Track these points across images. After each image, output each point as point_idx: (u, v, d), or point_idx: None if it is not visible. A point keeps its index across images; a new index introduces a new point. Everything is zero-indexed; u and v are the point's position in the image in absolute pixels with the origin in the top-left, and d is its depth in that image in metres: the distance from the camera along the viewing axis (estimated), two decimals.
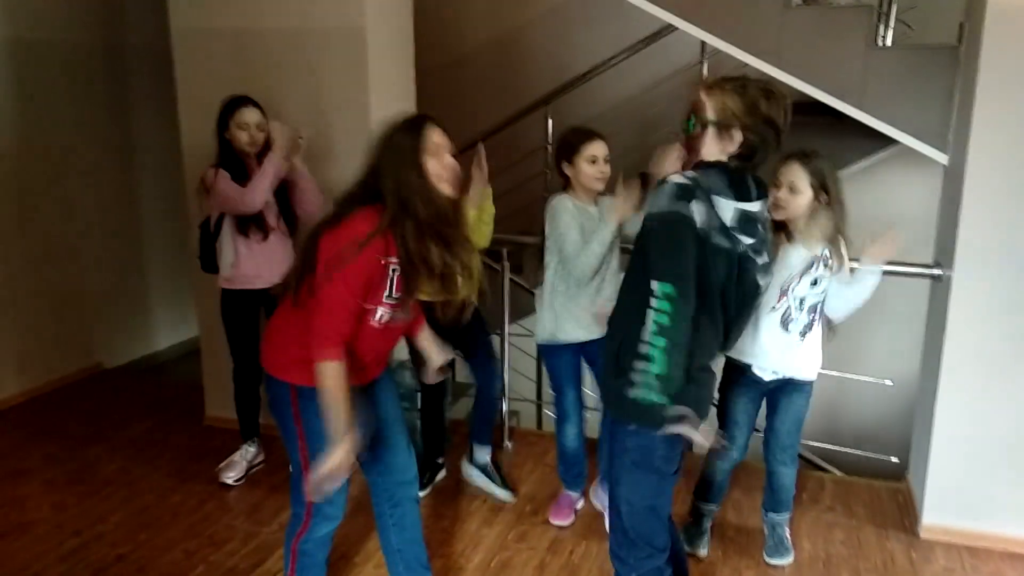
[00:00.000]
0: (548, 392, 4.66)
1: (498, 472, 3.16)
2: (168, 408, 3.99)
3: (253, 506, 3.07)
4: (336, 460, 1.86)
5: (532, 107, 4.79)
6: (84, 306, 4.47)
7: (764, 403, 2.64)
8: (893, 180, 4.60)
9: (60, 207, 4.28)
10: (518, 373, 3.90)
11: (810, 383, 2.56)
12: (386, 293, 1.93)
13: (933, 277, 2.92)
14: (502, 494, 3.10)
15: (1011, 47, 2.49)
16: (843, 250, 2.45)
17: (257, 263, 3.03)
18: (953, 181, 2.80)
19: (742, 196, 1.78)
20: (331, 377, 1.87)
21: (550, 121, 4.73)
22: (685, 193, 1.72)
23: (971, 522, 2.80)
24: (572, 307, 2.74)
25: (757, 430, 2.69)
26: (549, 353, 2.86)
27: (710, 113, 1.78)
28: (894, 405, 4.53)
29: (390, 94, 3.37)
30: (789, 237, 2.42)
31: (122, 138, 4.68)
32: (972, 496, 2.80)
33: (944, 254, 2.85)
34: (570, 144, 2.67)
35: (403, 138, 1.91)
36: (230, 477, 3.22)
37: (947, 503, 2.83)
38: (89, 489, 3.18)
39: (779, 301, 2.42)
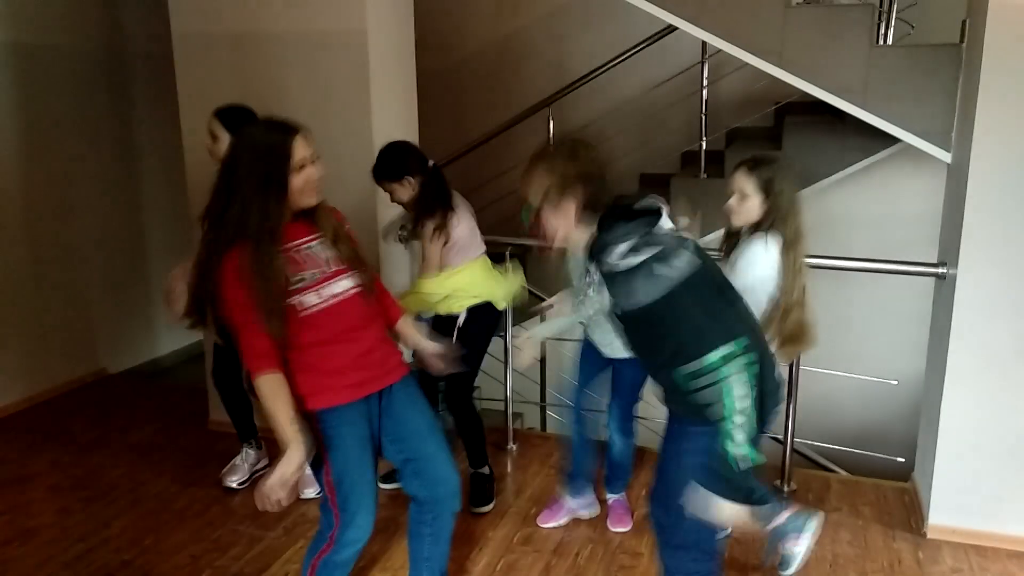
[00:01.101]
0: (552, 394, 4.67)
1: (483, 485, 3.12)
2: (172, 413, 3.99)
3: (257, 510, 3.04)
4: (290, 465, 1.84)
5: (534, 109, 4.79)
6: (88, 311, 4.47)
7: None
8: (896, 179, 4.60)
9: (63, 212, 4.28)
10: (522, 376, 3.89)
11: None
12: (294, 282, 1.91)
13: (937, 276, 2.91)
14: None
15: (1013, 45, 2.48)
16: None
17: None
18: (956, 179, 2.79)
19: (655, 219, 1.81)
20: (267, 391, 1.87)
21: (552, 122, 4.72)
22: (650, 268, 1.73)
23: (978, 522, 2.79)
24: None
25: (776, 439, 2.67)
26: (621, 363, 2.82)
27: (534, 196, 1.86)
28: (899, 404, 4.52)
29: (391, 97, 3.37)
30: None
31: (125, 143, 4.69)
32: (979, 496, 2.79)
33: (948, 253, 2.84)
34: None
35: (265, 154, 1.88)
36: (233, 481, 3.22)
37: (954, 503, 2.82)
38: (94, 494, 3.18)
39: None
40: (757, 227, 2.36)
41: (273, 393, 1.87)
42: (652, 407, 3.36)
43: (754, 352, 1.72)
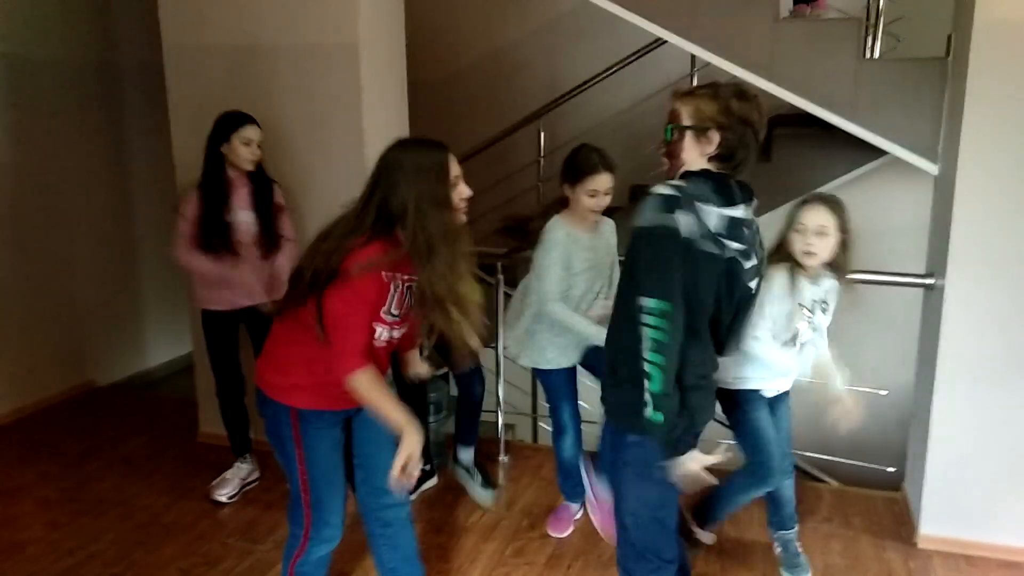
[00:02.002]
0: (543, 405, 4.66)
1: (482, 473, 3.21)
2: (162, 425, 3.97)
3: (248, 524, 3.05)
4: (412, 445, 1.89)
5: (525, 121, 4.82)
6: (77, 323, 4.45)
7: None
8: (883, 190, 4.63)
9: (53, 223, 4.27)
10: (513, 386, 3.89)
11: (789, 392, 2.62)
12: (384, 309, 1.92)
13: (926, 287, 2.94)
14: (481, 494, 3.15)
15: (998, 59, 2.52)
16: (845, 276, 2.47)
17: (230, 283, 3.00)
18: (944, 191, 2.82)
19: (728, 201, 1.79)
20: (368, 387, 1.89)
21: (543, 135, 4.75)
22: (668, 204, 1.73)
23: (968, 532, 2.81)
24: (556, 339, 2.77)
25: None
26: (541, 372, 2.86)
27: (685, 119, 1.82)
28: (888, 414, 4.52)
29: (383, 110, 3.38)
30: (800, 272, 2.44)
31: (115, 154, 4.68)
32: (969, 506, 2.80)
33: (936, 263, 2.87)
34: (576, 170, 2.64)
35: (429, 163, 1.89)
36: (222, 495, 3.20)
37: (944, 513, 2.83)
38: (83, 507, 3.16)
39: (802, 335, 2.45)
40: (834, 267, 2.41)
41: (376, 386, 1.91)
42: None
43: (674, 324, 1.71)
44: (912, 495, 3.04)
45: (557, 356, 2.79)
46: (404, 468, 1.89)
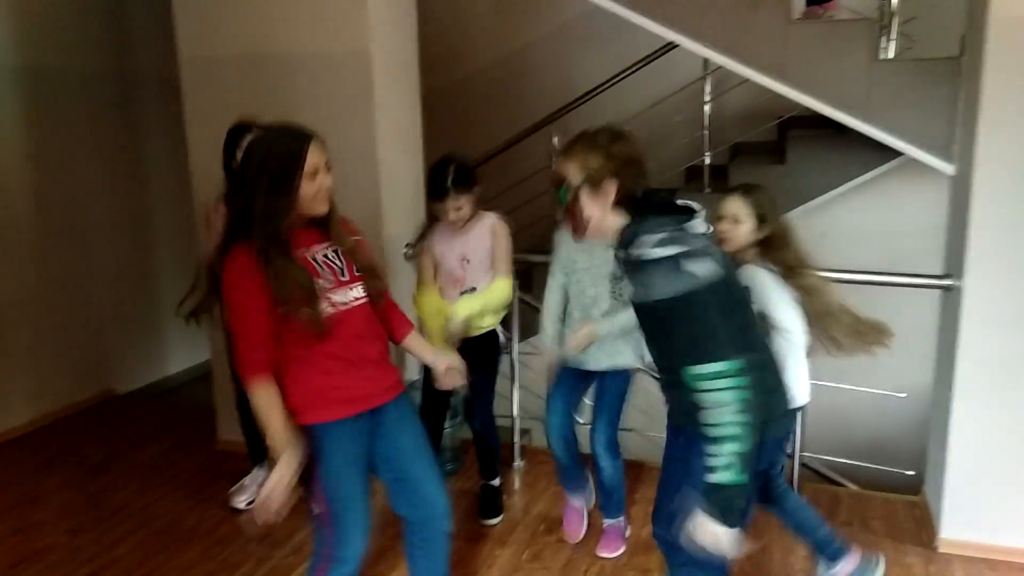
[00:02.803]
0: None
1: (494, 497, 3.15)
2: (181, 432, 4.00)
3: (267, 530, 3.06)
4: (283, 472, 1.86)
5: (537, 126, 4.82)
6: (96, 331, 4.50)
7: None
8: (899, 191, 4.60)
9: (72, 233, 4.32)
10: (528, 391, 3.90)
11: None
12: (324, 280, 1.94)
13: (944, 288, 2.91)
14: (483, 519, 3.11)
15: (1014, 58, 2.50)
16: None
17: None
18: (960, 191, 2.80)
19: (687, 214, 1.78)
20: (260, 398, 1.89)
21: (555, 140, 4.75)
22: (675, 264, 1.68)
23: (990, 536, 2.77)
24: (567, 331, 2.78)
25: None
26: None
27: (575, 176, 1.80)
28: (907, 417, 4.50)
29: (396, 116, 3.40)
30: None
31: (133, 164, 4.73)
32: (990, 509, 2.77)
33: (954, 264, 2.84)
34: None
35: (279, 162, 1.89)
36: (241, 501, 3.22)
37: (965, 517, 2.80)
38: (103, 514, 3.19)
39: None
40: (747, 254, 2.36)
41: (269, 401, 1.89)
42: (643, 415, 3.37)
43: (748, 377, 1.67)
44: (932, 499, 3.01)
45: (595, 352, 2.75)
46: (266, 499, 1.86)
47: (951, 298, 2.88)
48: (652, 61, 4.53)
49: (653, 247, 1.69)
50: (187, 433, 3.98)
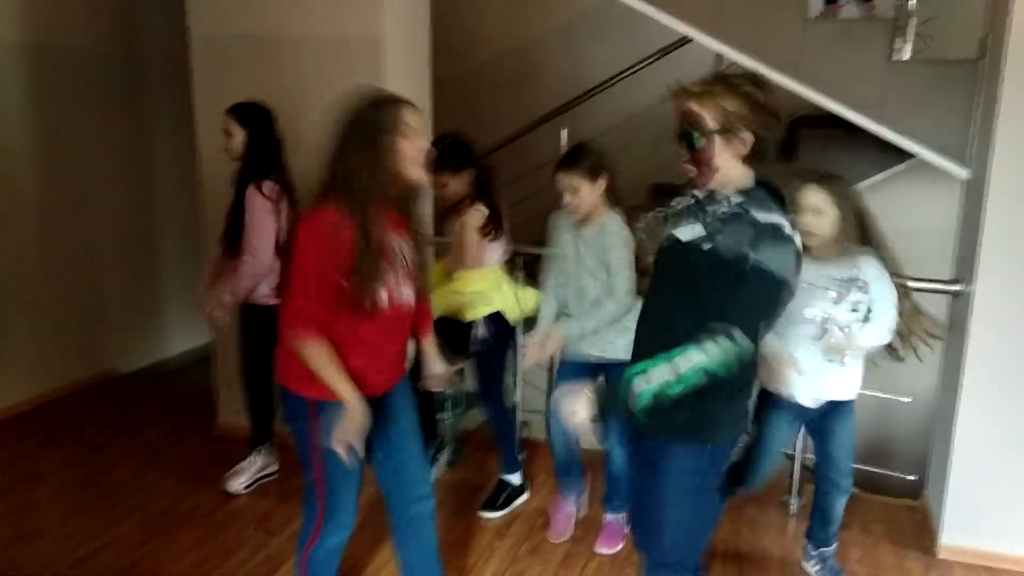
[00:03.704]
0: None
1: (500, 492, 3.13)
2: (181, 414, 3.99)
3: (264, 515, 3.06)
4: (353, 415, 1.89)
5: (547, 117, 4.79)
6: (98, 311, 4.48)
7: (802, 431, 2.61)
8: (909, 193, 4.56)
9: (76, 213, 4.30)
10: (529, 384, 3.88)
11: (851, 402, 2.51)
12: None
13: (953, 293, 2.89)
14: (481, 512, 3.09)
15: None
16: (874, 268, 2.34)
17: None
18: (973, 196, 2.77)
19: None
20: (317, 355, 1.88)
21: (565, 132, 4.72)
22: (793, 249, 1.65)
23: (990, 542, 2.76)
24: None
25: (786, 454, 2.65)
26: (560, 362, 2.85)
27: (712, 122, 1.67)
28: (908, 420, 4.48)
29: None
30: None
31: (138, 144, 4.70)
32: (992, 516, 2.76)
33: (965, 269, 2.82)
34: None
35: (373, 116, 1.88)
36: (239, 485, 3.21)
37: (966, 523, 2.79)
38: (101, 494, 3.18)
39: (820, 330, 2.35)
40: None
41: (326, 355, 1.89)
42: None
43: (742, 367, 1.66)
44: (933, 504, 2.99)
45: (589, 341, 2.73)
46: (340, 439, 1.90)
47: (960, 303, 2.86)
48: (664, 56, 4.50)
49: (786, 226, 1.66)
50: (187, 416, 3.97)
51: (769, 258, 1.62)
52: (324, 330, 1.90)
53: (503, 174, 4.86)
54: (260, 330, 3.13)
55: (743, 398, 1.85)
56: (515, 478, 3.15)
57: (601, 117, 5.02)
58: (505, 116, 5.26)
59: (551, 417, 2.85)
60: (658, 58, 4.55)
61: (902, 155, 3.99)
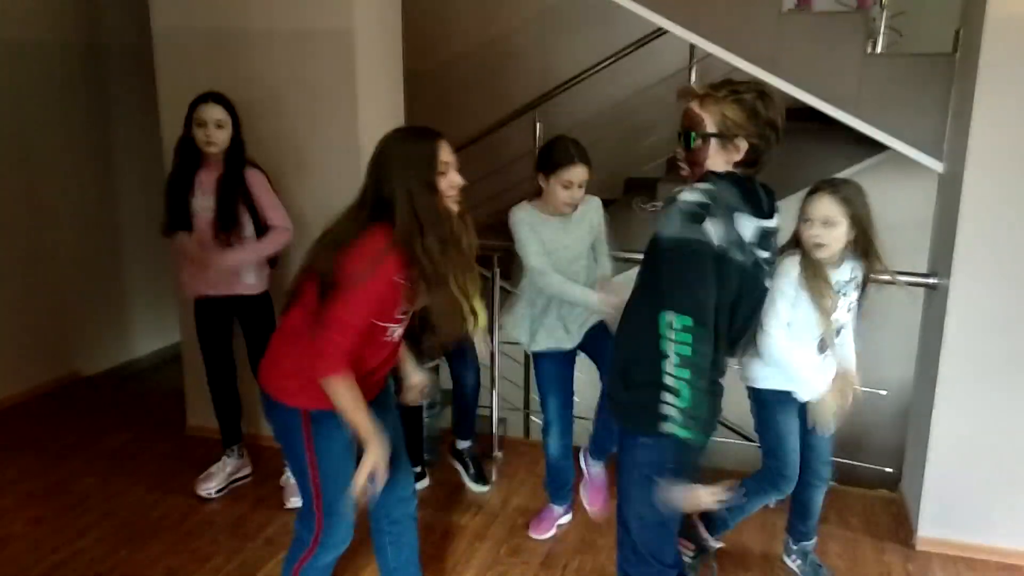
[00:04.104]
0: (535, 400, 4.62)
1: (476, 465, 3.20)
2: (148, 417, 3.89)
3: (238, 520, 2.98)
4: (376, 457, 1.86)
5: (520, 111, 4.74)
6: (60, 312, 4.35)
7: None
8: (884, 186, 4.57)
9: (36, 210, 4.16)
10: (504, 379, 3.85)
11: None
12: (401, 309, 1.91)
13: (929, 286, 2.90)
14: (471, 485, 3.15)
15: (1011, 56, 2.47)
16: (879, 265, 2.36)
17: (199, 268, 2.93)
18: (949, 190, 2.78)
19: (756, 209, 1.74)
20: (347, 392, 1.84)
21: (539, 126, 4.68)
22: (699, 214, 1.66)
23: (968, 535, 2.78)
24: (544, 319, 2.72)
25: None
26: (534, 358, 2.81)
27: (710, 126, 1.74)
28: (882, 412, 4.52)
29: (378, 97, 3.31)
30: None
31: (101, 140, 4.57)
32: (969, 509, 2.78)
33: (941, 263, 2.83)
34: (550, 161, 2.58)
35: (416, 152, 1.86)
36: (208, 489, 3.13)
37: (944, 516, 2.81)
38: (67, 503, 3.08)
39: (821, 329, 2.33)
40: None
41: (354, 394, 1.85)
42: None
43: (699, 344, 1.67)
44: (910, 496, 3.01)
45: (545, 338, 2.72)
46: (367, 479, 1.87)
47: (936, 296, 2.88)
48: (637, 49, 4.46)
49: (690, 193, 1.68)
50: (155, 418, 3.87)
51: (672, 230, 1.67)
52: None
53: (476, 169, 4.83)
54: (211, 326, 3.07)
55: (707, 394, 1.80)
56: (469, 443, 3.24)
57: (575, 110, 4.99)
58: (476, 111, 5.19)
59: (549, 428, 2.81)
60: (631, 51, 4.51)
61: (877, 148, 4.00)
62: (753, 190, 1.77)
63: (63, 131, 4.30)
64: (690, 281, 1.67)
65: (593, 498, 2.85)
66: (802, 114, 4.10)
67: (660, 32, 3.88)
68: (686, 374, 1.66)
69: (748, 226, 1.72)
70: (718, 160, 1.75)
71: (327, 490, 1.99)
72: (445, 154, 1.88)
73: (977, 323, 2.66)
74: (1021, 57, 2.47)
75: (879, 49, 3.18)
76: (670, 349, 1.66)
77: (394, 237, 1.81)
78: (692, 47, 4.12)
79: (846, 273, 2.34)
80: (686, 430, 1.68)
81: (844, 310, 2.36)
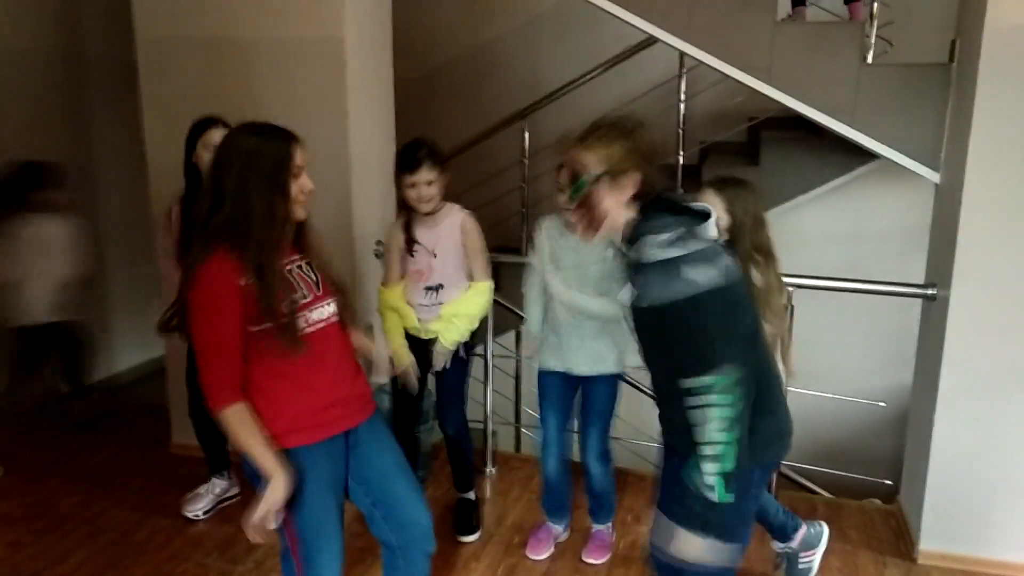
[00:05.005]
0: (526, 412, 4.56)
1: (470, 512, 3.00)
2: (130, 435, 3.79)
3: (225, 542, 2.90)
4: (276, 495, 1.75)
5: (509, 120, 4.70)
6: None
7: None
8: (878, 195, 4.60)
9: None
10: (496, 393, 3.78)
11: None
12: (300, 294, 1.82)
13: (928, 297, 2.88)
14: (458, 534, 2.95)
15: (1010, 66, 2.46)
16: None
17: None
18: (947, 200, 2.77)
19: (698, 216, 1.69)
20: (237, 424, 1.75)
21: (527, 135, 4.64)
22: (677, 269, 1.59)
23: (970, 548, 2.76)
24: (551, 335, 2.69)
25: None
26: (538, 375, 2.76)
27: (596, 167, 1.69)
28: (874, 423, 4.51)
29: (369, 106, 3.25)
30: None
31: (82, 151, 4.47)
32: (970, 521, 2.75)
33: (938, 274, 2.81)
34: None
35: (268, 155, 1.77)
36: (197, 510, 3.04)
37: (944, 528, 2.78)
38: (47, 525, 2.98)
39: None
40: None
41: (246, 424, 1.76)
42: (629, 425, 3.29)
43: (736, 393, 1.61)
44: (911, 509, 2.98)
45: (546, 356, 2.69)
46: (263, 519, 1.76)
47: (935, 307, 2.85)
48: (628, 58, 4.44)
49: (655, 248, 1.62)
50: (138, 435, 3.77)
51: (660, 297, 1.60)
52: (247, 384, 1.77)
53: (464, 179, 4.78)
54: None
55: (771, 417, 1.79)
56: (472, 493, 3.05)
57: (564, 119, 4.93)
58: (463, 120, 5.15)
59: (546, 448, 2.76)
60: (621, 60, 4.49)
61: (866, 157, 4.00)
62: (680, 203, 1.73)
63: (43, 141, 4.19)
64: (703, 337, 1.60)
65: (595, 555, 2.80)
66: (790, 123, 4.11)
67: (651, 41, 3.86)
68: (731, 436, 1.59)
69: (710, 227, 1.66)
70: (611, 200, 1.70)
71: (307, 533, 1.86)
72: (299, 157, 1.81)
73: (978, 334, 2.64)
74: (1020, 67, 2.46)
75: (869, 59, 3.17)
76: (711, 415, 1.59)
77: (233, 252, 1.73)
78: (682, 56, 4.09)
79: None
80: (729, 494, 1.62)
81: None
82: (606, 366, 2.62)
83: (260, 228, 1.74)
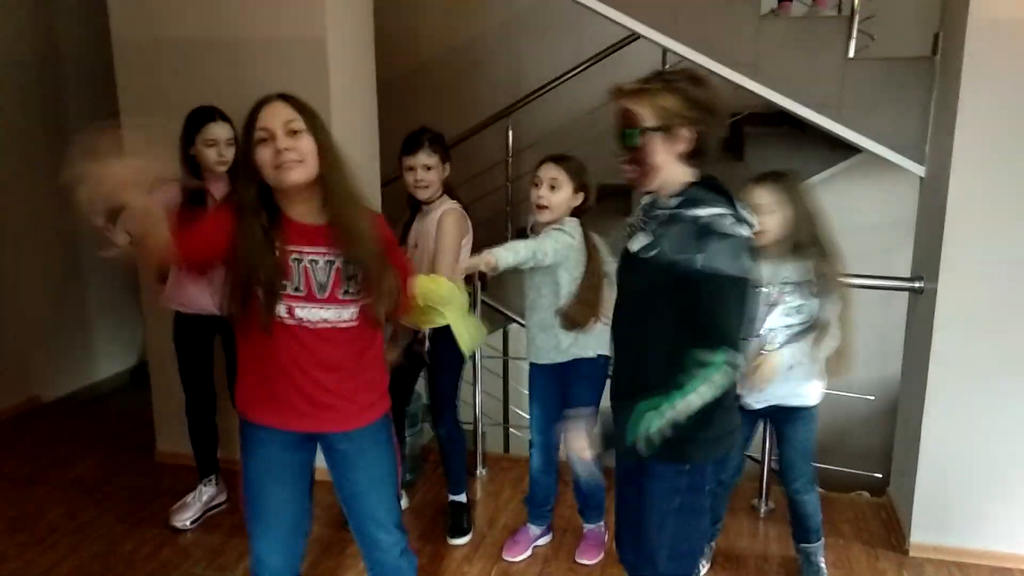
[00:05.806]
0: (515, 412, 4.55)
1: (462, 514, 2.97)
2: (115, 444, 3.72)
3: (214, 550, 2.86)
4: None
5: (492, 119, 4.68)
6: (18, 334, 4.16)
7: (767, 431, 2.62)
8: (863, 188, 4.62)
9: None
10: (486, 394, 3.77)
11: (808, 408, 2.46)
12: (292, 285, 1.79)
13: (915, 290, 2.89)
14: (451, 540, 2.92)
15: (993, 60, 2.47)
16: (825, 268, 2.32)
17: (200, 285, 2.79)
18: (933, 193, 2.78)
19: (738, 209, 1.68)
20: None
21: (511, 133, 4.62)
22: (742, 246, 1.61)
23: (961, 539, 2.77)
24: (531, 328, 2.68)
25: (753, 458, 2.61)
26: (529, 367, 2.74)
27: (648, 120, 1.64)
28: (866, 415, 4.53)
29: (352, 107, 3.21)
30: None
31: (58, 156, 4.35)
32: (960, 513, 2.77)
33: (926, 267, 2.82)
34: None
35: (247, 119, 1.81)
36: (183, 520, 2.99)
37: (935, 521, 2.80)
38: (31, 538, 2.93)
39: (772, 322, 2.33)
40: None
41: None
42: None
43: (735, 374, 1.66)
44: (901, 502, 2.99)
45: (533, 348, 2.65)
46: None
47: (922, 300, 2.87)
48: (611, 54, 4.43)
49: (728, 220, 1.61)
50: (123, 444, 3.71)
51: (718, 258, 1.59)
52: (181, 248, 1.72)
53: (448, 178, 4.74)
54: (195, 345, 2.94)
55: (728, 413, 1.79)
56: (463, 496, 3.01)
57: (548, 117, 4.94)
58: (446, 119, 5.08)
59: (533, 441, 2.74)
60: (604, 57, 4.47)
61: (849, 151, 4.01)
62: (726, 192, 1.70)
63: (17, 148, 4.11)
64: (737, 317, 1.63)
65: (588, 555, 2.79)
66: (774, 118, 4.11)
67: (633, 38, 3.84)
68: (707, 405, 1.62)
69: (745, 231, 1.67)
70: (664, 155, 1.66)
71: (247, 504, 1.93)
72: (266, 119, 1.75)
73: (966, 326, 2.65)
74: (1004, 60, 2.47)
75: (851, 53, 3.18)
76: (709, 379, 1.60)
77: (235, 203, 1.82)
78: (665, 52, 4.09)
79: (787, 273, 2.31)
80: (657, 433, 1.63)
81: (781, 315, 2.32)
82: (584, 349, 2.55)
83: (241, 184, 1.81)
